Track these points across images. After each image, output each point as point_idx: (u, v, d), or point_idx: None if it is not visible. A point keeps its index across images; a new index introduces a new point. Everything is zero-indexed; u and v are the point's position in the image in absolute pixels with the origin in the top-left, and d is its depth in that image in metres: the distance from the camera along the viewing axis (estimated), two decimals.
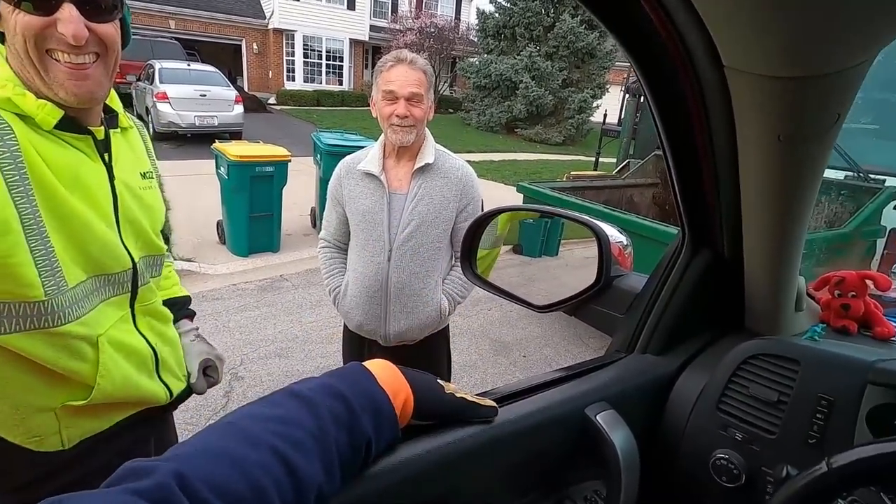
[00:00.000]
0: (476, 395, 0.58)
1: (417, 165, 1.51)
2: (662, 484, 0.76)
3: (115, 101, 0.97)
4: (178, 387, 1.08)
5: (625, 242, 0.92)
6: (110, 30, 0.82)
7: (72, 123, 0.84)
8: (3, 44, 0.81)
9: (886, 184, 3.33)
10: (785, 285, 0.69)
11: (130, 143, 1.01)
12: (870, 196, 3.23)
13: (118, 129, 0.96)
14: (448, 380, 1.64)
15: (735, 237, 0.67)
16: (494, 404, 0.58)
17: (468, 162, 1.63)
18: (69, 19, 0.75)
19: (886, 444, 0.42)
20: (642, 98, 6.25)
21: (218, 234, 4.99)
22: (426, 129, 1.56)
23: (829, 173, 3.62)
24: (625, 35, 0.46)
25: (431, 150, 1.54)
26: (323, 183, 4.88)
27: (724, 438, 0.69)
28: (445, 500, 0.52)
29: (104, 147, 0.91)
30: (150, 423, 1.06)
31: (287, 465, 0.37)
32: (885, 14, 0.33)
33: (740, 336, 0.78)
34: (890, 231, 3.32)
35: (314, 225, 5.52)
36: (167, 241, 1.13)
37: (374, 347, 1.69)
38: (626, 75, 11.28)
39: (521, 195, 4.11)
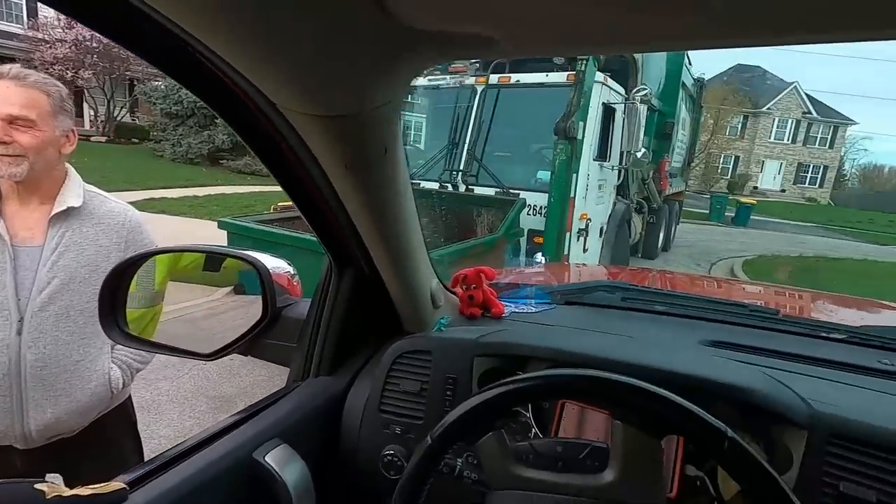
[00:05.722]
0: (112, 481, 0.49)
1: (57, 210, 1.21)
2: (348, 499, 0.79)
3: None
4: None
5: (291, 271, 0.93)
6: None
7: None
8: None
9: (520, 196, 4.46)
10: (416, 289, 0.81)
11: None
12: (511, 207, 4.26)
13: None
14: (141, 461, 1.36)
15: (368, 255, 0.75)
16: (122, 485, 0.49)
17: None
18: None
19: (458, 409, 0.53)
20: None
21: None
22: (68, 166, 1.27)
23: (485, 190, 4.63)
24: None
25: (77, 191, 1.25)
26: None
27: (389, 436, 0.75)
28: None
29: None
30: None
31: None
32: (400, 62, 0.41)
33: (399, 340, 0.88)
34: (528, 231, 4.45)
35: None
36: None
37: (13, 454, 1.25)
38: None
39: (226, 232, 3.80)
